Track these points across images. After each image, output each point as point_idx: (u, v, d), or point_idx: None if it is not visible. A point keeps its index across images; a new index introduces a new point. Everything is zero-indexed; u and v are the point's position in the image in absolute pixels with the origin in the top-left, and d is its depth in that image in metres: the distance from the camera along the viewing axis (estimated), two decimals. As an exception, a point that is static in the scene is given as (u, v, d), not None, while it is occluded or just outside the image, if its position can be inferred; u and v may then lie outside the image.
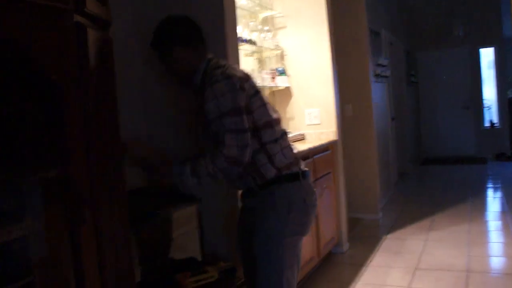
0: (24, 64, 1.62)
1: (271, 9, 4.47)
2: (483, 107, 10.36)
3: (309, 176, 2.26)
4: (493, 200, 6.65)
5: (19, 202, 1.85)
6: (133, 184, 2.61)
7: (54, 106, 1.63)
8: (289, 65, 4.55)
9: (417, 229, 5.16)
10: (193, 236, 2.59)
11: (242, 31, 3.92)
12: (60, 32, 1.64)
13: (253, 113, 2.09)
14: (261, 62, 4.45)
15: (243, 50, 3.95)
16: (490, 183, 7.83)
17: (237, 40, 2.85)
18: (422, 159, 10.29)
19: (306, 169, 2.25)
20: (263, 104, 2.14)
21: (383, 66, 6.63)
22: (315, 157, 3.88)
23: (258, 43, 4.14)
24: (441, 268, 3.99)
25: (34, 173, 1.76)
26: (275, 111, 2.24)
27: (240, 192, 2.33)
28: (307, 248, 3.58)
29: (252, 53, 4.26)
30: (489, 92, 10.48)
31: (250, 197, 2.20)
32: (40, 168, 1.74)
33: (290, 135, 2.61)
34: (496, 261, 4.24)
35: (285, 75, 4.48)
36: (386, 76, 6.81)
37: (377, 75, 6.31)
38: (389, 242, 4.81)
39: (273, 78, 4.23)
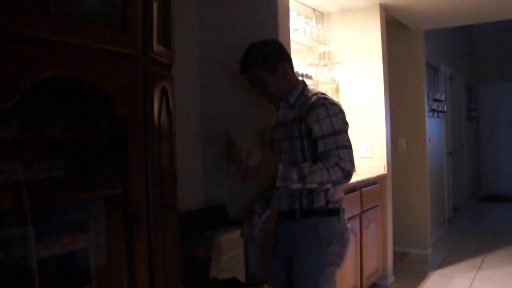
0: (98, 100, 1.90)
1: (328, 44, 4.66)
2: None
3: (345, 213, 2.38)
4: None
5: (86, 216, 2.11)
6: (186, 206, 2.84)
7: (121, 135, 1.90)
8: (344, 98, 4.70)
9: (466, 267, 5.11)
10: (238, 258, 2.74)
11: (299, 65, 4.12)
12: (130, 74, 1.92)
13: None
14: (316, 95, 4.62)
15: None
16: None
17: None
18: (480, 195, 10.06)
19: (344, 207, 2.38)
20: None
21: (440, 101, 6.65)
22: (362, 189, 3.99)
23: (314, 77, 4.33)
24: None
25: (100, 190, 2.02)
26: None
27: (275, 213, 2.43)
28: (350, 277, 3.69)
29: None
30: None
31: (289, 221, 2.28)
32: (106, 187, 2.00)
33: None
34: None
35: (339, 108, 4.62)
36: (442, 111, 6.82)
37: (433, 110, 6.34)
38: (435, 278, 4.80)
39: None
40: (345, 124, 2.19)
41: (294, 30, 4.00)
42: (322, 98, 2.19)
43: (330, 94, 4.62)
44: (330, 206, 2.24)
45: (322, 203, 2.22)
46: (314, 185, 2.08)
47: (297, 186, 2.06)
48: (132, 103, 1.92)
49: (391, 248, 4.68)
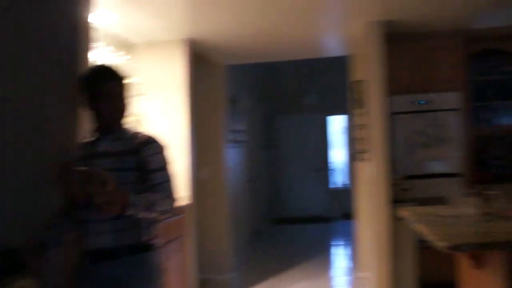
0: None
1: (132, 76, 4.66)
2: (332, 170, 11.23)
3: None
4: (339, 257, 7.28)
5: None
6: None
7: None
8: (148, 130, 4.72)
9: (267, 286, 5.46)
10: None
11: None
12: None
13: None
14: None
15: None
16: (337, 241, 8.47)
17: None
18: (276, 218, 10.77)
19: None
20: None
21: (240, 131, 7.04)
22: (166, 220, 4.04)
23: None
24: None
25: None
26: None
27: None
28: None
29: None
30: (338, 155, 11.41)
31: (113, 260, 2.13)
32: None
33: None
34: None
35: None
36: (243, 141, 7.23)
37: (233, 140, 6.69)
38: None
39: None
40: (168, 160, 2.28)
41: (98, 60, 3.94)
42: (151, 135, 2.28)
43: (133, 127, 4.65)
44: (154, 240, 2.26)
45: (150, 237, 2.22)
46: (154, 215, 2.10)
47: (143, 214, 2.06)
48: None
49: (195, 276, 4.79)
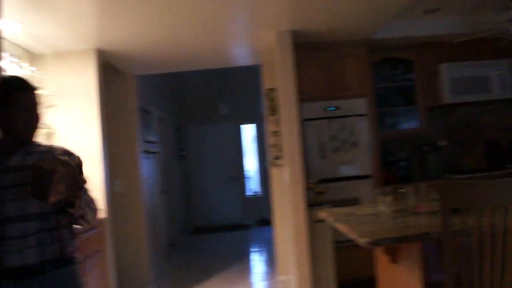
0: None
1: (41, 88, 4.48)
2: (246, 177, 11.37)
3: None
4: (258, 262, 7.38)
5: None
6: None
7: None
8: (59, 143, 4.56)
9: (186, 299, 5.43)
10: None
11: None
12: None
13: None
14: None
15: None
16: (255, 247, 8.59)
17: None
18: (193, 228, 10.73)
19: None
20: None
21: (153, 142, 6.96)
22: (82, 235, 3.91)
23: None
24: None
25: None
26: None
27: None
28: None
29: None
30: (252, 163, 11.57)
31: (37, 276, 2.01)
32: None
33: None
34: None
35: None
36: (155, 152, 7.15)
37: (146, 151, 6.60)
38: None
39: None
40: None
41: (3, 71, 3.76)
42: (65, 148, 2.25)
43: (44, 140, 4.48)
44: (76, 253, 2.19)
45: (73, 250, 2.15)
46: (89, 216, 2.10)
47: (81, 212, 2.04)
48: None
49: (114, 291, 4.67)
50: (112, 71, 5.53)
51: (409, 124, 5.79)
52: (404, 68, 5.75)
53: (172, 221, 8.57)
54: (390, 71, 5.77)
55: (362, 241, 2.13)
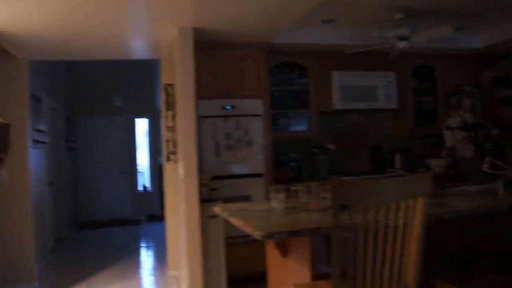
0: None
1: None
2: (138, 172, 11.21)
3: None
4: (148, 258, 7.34)
5: None
6: None
7: None
8: None
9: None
10: None
11: None
12: None
13: None
14: None
15: None
16: (144, 242, 8.51)
17: None
18: (81, 223, 10.40)
19: None
20: None
21: (42, 131, 6.67)
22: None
23: None
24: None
25: None
26: None
27: None
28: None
29: None
30: (143, 158, 11.44)
31: None
32: None
33: None
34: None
35: None
36: (44, 142, 6.86)
37: (35, 141, 6.32)
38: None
39: None
40: None
41: None
42: None
43: None
44: None
45: None
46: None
47: None
48: None
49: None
50: (2, 53, 5.25)
51: (302, 127, 6.04)
52: (299, 73, 6.00)
53: (60, 215, 8.28)
54: (287, 75, 5.99)
55: (257, 234, 2.23)
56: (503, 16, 5.55)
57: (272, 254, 3.31)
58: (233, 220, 2.74)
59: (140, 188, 11.31)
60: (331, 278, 2.06)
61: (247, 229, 2.39)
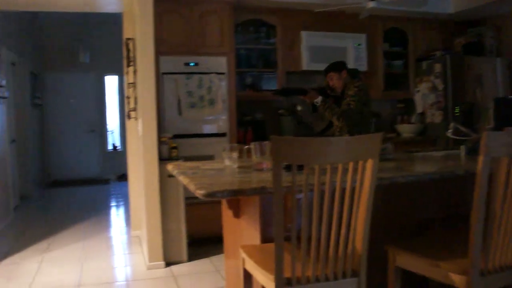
0: None
1: None
2: (107, 131, 11.03)
3: None
4: (115, 217, 7.28)
5: None
6: None
7: None
8: None
9: (34, 252, 5.18)
10: None
11: None
12: None
13: None
14: None
15: None
16: (113, 202, 8.45)
17: None
18: (48, 182, 10.25)
19: None
20: None
21: (2, 86, 6.45)
22: None
23: None
24: (54, 286, 4.13)
25: None
26: None
27: None
28: None
29: None
30: (114, 116, 11.23)
31: None
32: None
33: None
34: (111, 272, 4.63)
35: None
36: (5, 97, 6.64)
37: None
38: (2, 267, 4.69)
39: None
40: None
41: None
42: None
43: None
44: None
45: None
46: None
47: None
48: None
49: None
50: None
51: (268, 87, 5.92)
52: (267, 31, 5.85)
53: (24, 173, 8.11)
54: (254, 34, 5.84)
55: (198, 193, 2.14)
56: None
57: (226, 215, 3.25)
58: (180, 178, 2.65)
59: (110, 147, 11.15)
60: (274, 240, 1.98)
61: (191, 187, 2.31)
